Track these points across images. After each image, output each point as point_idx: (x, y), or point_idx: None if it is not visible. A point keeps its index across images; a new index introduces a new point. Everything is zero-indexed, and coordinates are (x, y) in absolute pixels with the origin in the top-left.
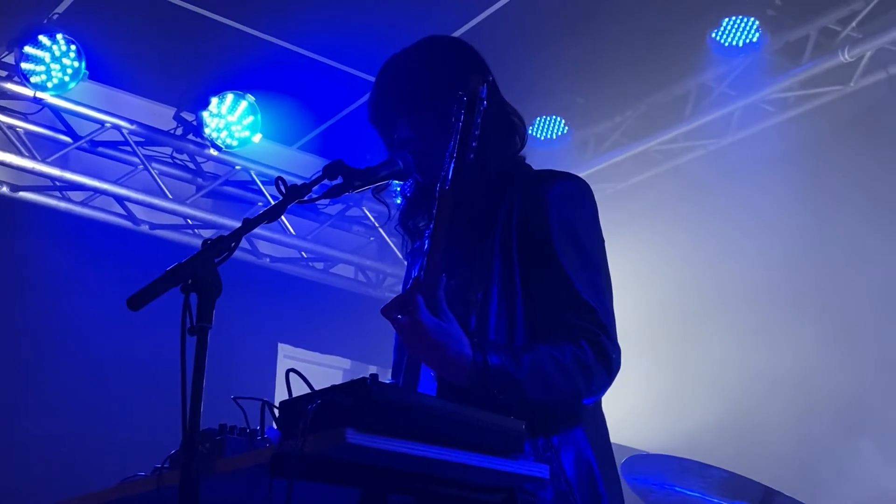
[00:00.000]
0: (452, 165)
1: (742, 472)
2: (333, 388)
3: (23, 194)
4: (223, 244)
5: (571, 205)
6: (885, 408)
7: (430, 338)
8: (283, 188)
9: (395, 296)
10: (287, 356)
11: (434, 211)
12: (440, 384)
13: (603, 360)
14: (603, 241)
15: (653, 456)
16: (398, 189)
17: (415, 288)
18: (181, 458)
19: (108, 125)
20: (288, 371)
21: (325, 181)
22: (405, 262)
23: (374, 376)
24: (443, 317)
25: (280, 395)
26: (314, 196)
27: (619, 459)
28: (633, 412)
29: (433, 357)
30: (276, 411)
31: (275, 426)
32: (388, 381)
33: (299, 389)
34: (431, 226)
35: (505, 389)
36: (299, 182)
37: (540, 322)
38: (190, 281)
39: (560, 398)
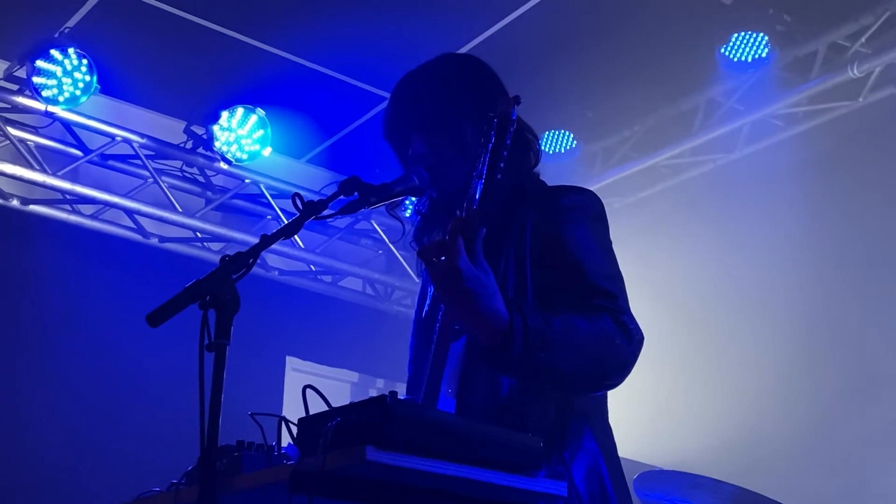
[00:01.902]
0: (481, 185)
1: (754, 488)
2: (352, 405)
3: (33, 207)
4: (241, 260)
5: (583, 213)
6: None
7: (464, 286)
8: (299, 204)
9: (412, 311)
10: (295, 369)
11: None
12: (459, 401)
13: (626, 335)
14: (613, 248)
15: (665, 472)
16: (409, 204)
17: (456, 230)
18: (199, 475)
19: (118, 139)
20: (305, 387)
21: (341, 197)
22: (415, 277)
23: (393, 393)
24: (479, 267)
25: (288, 408)
26: (330, 212)
27: (632, 475)
28: (646, 427)
29: (464, 307)
30: (293, 427)
31: (291, 442)
32: (406, 398)
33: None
34: None
35: (537, 352)
36: (312, 197)
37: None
38: (208, 297)
39: (586, 366)
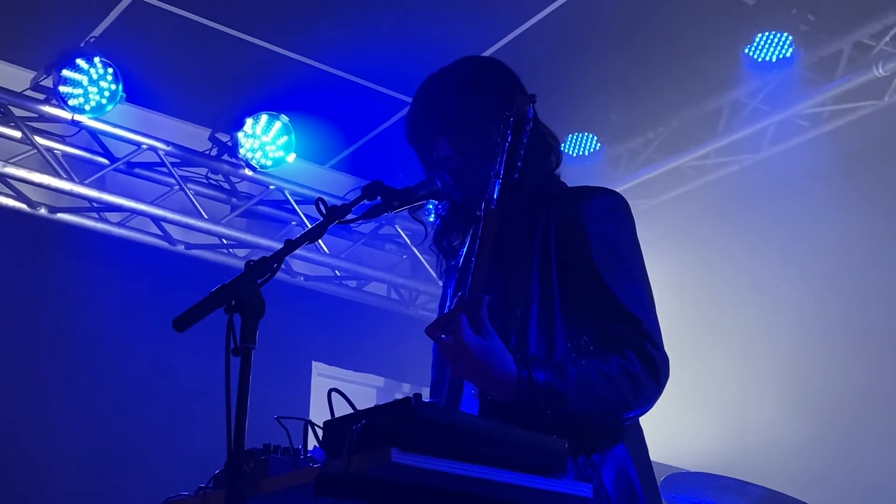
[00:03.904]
0: (498, 185)
1: (782, 489)
2: (377, 407)
3: (61, 216)
4: (265, 265)
5: (609, 219)
6: None
7: (473, 357)
8: (323, 209)
9: (436, 315)
10: (321, 374)
11: (479, 230)
12: (482, 402)
13: (651, 370)
14: (641, 253)
15: (692, 474)
16: (431, 208)
17: (458, 307)
18: (226, 478)
19: (144, 147)
20: (330, 391)
21: (365, 201)
22: (439, 281)
23: (417, 396)
24: (486, 335)
25: (315, 413)
26: (354, 216)
27: (658, 477)
28: (672, 429)
29: (478, 376)
30: (319, 431)
31: (318, 445)
32: (429, 400)
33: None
34: (467, 244)
35: (552, 405)
36: (336, 202)
37: (584, 336)
38: (233, 302)
39: (608, 410)
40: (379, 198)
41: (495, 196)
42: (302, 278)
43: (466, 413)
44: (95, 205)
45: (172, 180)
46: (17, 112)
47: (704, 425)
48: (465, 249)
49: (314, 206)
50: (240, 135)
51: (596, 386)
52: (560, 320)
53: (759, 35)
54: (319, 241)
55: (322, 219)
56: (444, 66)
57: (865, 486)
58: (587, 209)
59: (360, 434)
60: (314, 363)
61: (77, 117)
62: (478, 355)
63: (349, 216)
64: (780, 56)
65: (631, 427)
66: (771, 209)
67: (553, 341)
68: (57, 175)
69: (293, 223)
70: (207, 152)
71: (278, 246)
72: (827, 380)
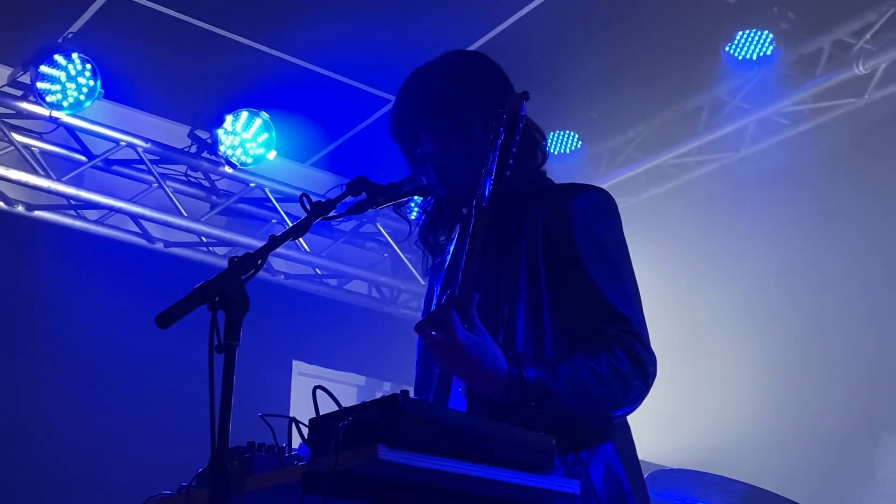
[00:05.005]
0: (490, 182)
1: (766, 486)
2: (364, 404)
3: (38, 213)
4: (250, 261)
5: (596, 217)
6: None
7: (465, 354)
8: (307, 205)
9: (418, 313)
10: (301, 373)
11: (469, 228)
12: (471, 400)
13: (639, 369)
14: (628, 251)
15: (676, 471)
16: (414, 205)
17: (449, 304)
18: (210, 476)
19: (122, 144)
20: (315, 388)
21: (349, 197)
22: (421, 279)
23: (404, 392)
24: (476, 332)
25: (296, 412)
26: (338, 213)
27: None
28: (656, 426)
29: (469, 373)
30: (303, 428)
31: (302, 443)
32: (416, 398)
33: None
34: (454, 241)
35: (542, 402)
36: (319, 199)
37: (572, 334)
38: (217, 298)
39: (597, 409)
40: (363, 194)
41: (487, 194)
42: (282, 276)
43: (455, 410)
44: (73, 202)
45: (151, 178)
46: None
47: (688, 422)
48: (451, 246)
49: (295, 204)
50: (219, 132)
51: (586, 384)
52: (548, 318)
53: (740, 33)
54: (300, 239)
55: (306, 214)
56: (430, 60)
57: (851, 482)
58: (575, 206)
59: (347, 431)
60: (295, 362)
61: (55, 114)
62: (470, 352)
63: (333, 212)
64: (761, 54)
65: (619, 425)
66: (752, 207)
67: (541, 339)
68: (34, 172)
69: (273, 221)
70: (187, 149)
71: (258, 244)
72: (811, 376)
